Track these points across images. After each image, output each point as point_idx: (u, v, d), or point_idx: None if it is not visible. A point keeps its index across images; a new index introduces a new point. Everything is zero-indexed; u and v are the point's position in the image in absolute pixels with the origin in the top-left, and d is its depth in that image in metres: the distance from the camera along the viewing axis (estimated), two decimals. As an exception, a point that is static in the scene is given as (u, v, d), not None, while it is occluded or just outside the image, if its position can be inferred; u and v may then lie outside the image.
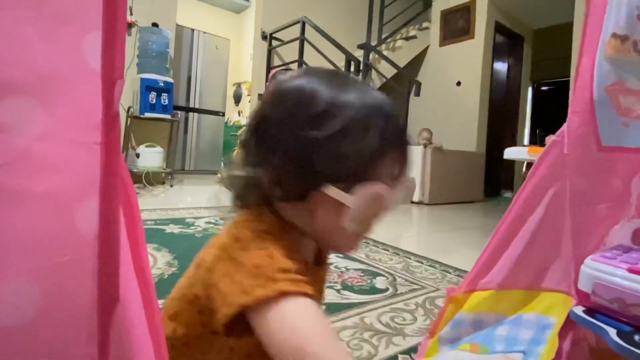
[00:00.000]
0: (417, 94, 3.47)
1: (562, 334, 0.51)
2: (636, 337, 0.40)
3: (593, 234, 0.54)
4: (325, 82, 0.37)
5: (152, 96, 3.11)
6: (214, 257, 0.36)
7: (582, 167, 0.54)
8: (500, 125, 4.59)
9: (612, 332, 0.41)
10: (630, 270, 0.43)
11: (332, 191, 0.35)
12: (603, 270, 0.44)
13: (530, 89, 5.44)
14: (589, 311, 0.45)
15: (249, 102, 5.08)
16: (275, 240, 0.36)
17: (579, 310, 0.45)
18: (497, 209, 3.62)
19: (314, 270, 0.43)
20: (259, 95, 3.23)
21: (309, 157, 0.36)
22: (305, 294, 0.33)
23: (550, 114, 5.22)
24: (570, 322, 0.51)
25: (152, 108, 3.12)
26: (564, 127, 0.57)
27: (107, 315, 0.23)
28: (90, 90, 0.23)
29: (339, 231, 0.38)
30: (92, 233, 0.23)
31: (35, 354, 0.21)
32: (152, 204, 2.44)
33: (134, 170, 3.11)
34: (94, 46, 0.23)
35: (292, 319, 0.32)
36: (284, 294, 0.32)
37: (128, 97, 3.25)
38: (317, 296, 0.39)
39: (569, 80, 3.15)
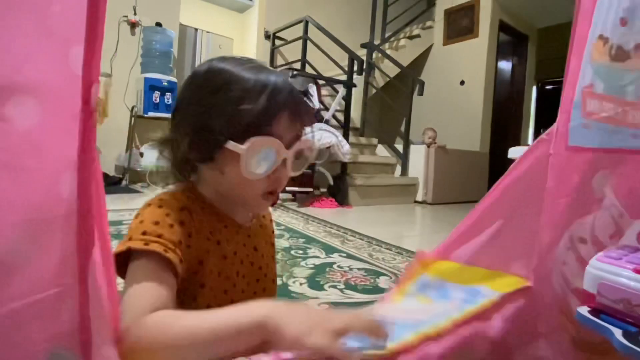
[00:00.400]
0: (421, 93, 3.46)
1: (536, 322, 0.55)
2: (642, 338, 0.40)
3: (553, 226, 0.58)
4: (230, 63, 0.46)
5: (156, 95, 3.12)
6: None
7: (555, 165, 0.57)
8: (504, 124, 4.58)
9: (618, 333, 0.41)
10: (637, 271, 0.43)
11: (230, 145, 0.42)
12: (608, 271, 0.44)
13: (534, 88, 5.42)
14: (594, 311, 0.44)
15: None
16: (160, 206, 0.44)
17: (584, 310, 0.45)
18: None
19: (240, 229, 0.51)
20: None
21: (211, 120, 0.43)
22: (155, 252, 0.39)
23: (555, 113, 5.19)
24: (543, 312, 0.56)
25: (156, 107, 3.13)
26: (554, 126, 0.59)
27: (85, 255, 0.31)
28: (74, 90, 0.30)
29: (245, 185, 0.45)
30: (73, 196, 0.31)
31: (29, 284, 0.29)
32: (156, 203, 2.44)
33: (138, 169, 3.12)
34: (77, 57, 0.30)
35: (130, 270, 0.40)
36: (134, 250, 0.40)
37: (132, 96, 3.26)
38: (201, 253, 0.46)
39: (573, 79, 3.13)
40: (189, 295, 0.44)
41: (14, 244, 0.28)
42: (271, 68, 0.48)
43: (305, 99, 0.49)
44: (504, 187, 0.61)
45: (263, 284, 0.53)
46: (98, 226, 0.33)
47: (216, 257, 0.46)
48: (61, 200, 0.30)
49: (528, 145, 1.45)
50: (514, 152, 1.50)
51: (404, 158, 3.61)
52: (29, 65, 0.28)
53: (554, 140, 0.57)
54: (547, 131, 0.58)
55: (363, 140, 3.78)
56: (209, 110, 0.44)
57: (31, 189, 0.29)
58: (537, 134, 5.52)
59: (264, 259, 0.54)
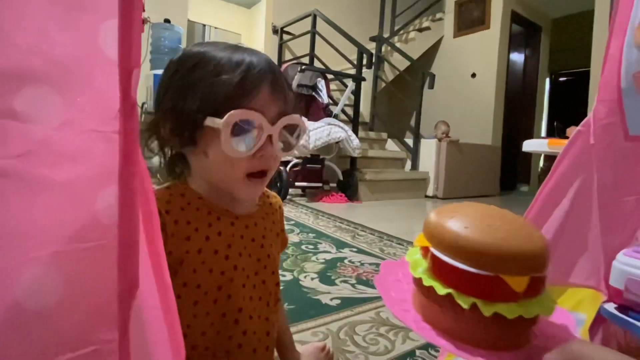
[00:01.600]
0: (431, 86, 3.42)
1: (592, 331, 0.49)
2: (673, 335, 0.38)
3: (622, 227, 0.52)
4: (205, 46, 0.45)
5: (166, 92, 3.14)
6: None
7: (609, 157, 0.52)
8: (516, 117, 4.50)
9: (647, 330, 0.39)
10: (667, 265, 0.41)
11: (208, 121, 0.41)
12: (637, 266, 0.42)
13: (547, 80, 5.31)
14: (622, 308, 0.43)
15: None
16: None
17: (611, 307, 0.43)
18: (513, 203, 3.56)
19: (237, 220, 0.49)
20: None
21: (188, 99, 0.42)
22: None
23: (569, 106, 5.10)
24: (599, 319, 0.49)
25: (166, 104, 3.15)
26: (590, 116, 0.54)
27: (127, 302, 0.23)
28: (108, 79, 0.23)
29: (230, 166, 0.43)
30: (112, 221, 0.23)
31: (58, 339, 0.21)
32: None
33: (149, 165, 3.15)
34: (110, 34, 0.23)
35: None
36: None
37: (142, 93, 3.28)
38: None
39: (588, 71, 3.05)
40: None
41: (35, 286, 0.21)
42: (251, 48, 0.46)
43: (285, 76, 0.48)
44: (547, 192, 0.56)
45: (262, 276, 0.51)
46: (155, 261, 0.26)
47: (205, 254, 0.45)
48: (99, 226, 0.22)
49: (543, 138, 1.42)
50: (529, 145, 1.47)
51: (414, 152, 3.57)
52: (47, 46, 0.21)
53: (593, 131, 0.53)
54: (583, 122, 0.55)
55: (372, 134, 3.75)
56: (185, 90, 0.43)
57: (57, 211, 0.22)
58: (550, 126, 5.42)
59: (264, 249, 0.52)
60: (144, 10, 3.27)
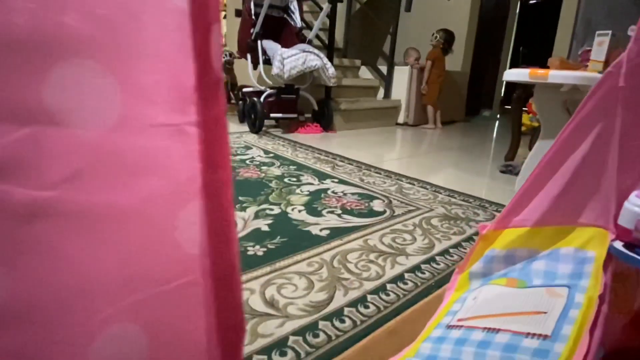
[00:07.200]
0: (408, 9, 3.26)
1: (603, 268, 0.51)
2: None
3: (631, 168, 0.52)
4: None
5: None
6: None
7: (634, 99, 0.50)
8: (486, 43, 4.46)
9: (653, 265, 0.42)
10: (676, 208, 0.43)
11: None
12: (647, 207, 0.44)
13: (518, 4, 5.19)
14: (629, 246, 0.46)
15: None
16: None
17: (619, 244, 0.47)
18: (477, 128, 3.68)
19: None
20: (236, 10, 2.95)
21: None
22: None
23: (536, 31, 5.06)
24: (609, 257, 0.51)
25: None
26: (623, 56, 0.51)
27: (235, 346, 0.17)
28: (175, 40, 0.14)
29: None
30: (198, 248, 0.16)
31: None
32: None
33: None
34: None
35: None
36: None
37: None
38: None
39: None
40: None
41: (115, 349, 0.15)
42: None
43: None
44: (567, 135, 0.54)
45: None
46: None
47: None
48: (183, 257, 0.16)
49: (524, 67, 1.43)
50: (510, 75, 1.48)
51: (387, 80, 3.52)
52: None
53: (624, 73, 0.50)
54: (613, 63, 0.52)
55: (346, 61, 3.61)
56: None
57: (126, 247, 0.15)
58: (515, 52, 5.43)
59: None
60: None
